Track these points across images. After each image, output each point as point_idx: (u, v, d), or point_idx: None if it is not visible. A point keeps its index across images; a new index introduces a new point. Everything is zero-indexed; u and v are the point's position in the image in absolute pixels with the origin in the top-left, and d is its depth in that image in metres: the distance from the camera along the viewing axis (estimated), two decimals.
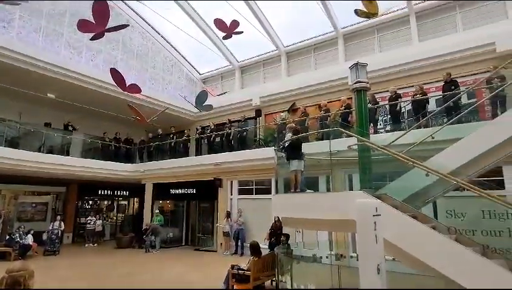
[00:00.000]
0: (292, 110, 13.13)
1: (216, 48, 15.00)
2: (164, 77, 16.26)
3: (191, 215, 15.40)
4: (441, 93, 8.78)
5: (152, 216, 14.46)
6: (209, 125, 14.47)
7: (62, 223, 12.94)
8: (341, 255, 8.68)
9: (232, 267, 7.08)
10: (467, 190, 4.27)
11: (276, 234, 9.91)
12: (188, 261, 11.24)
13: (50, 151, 12.57)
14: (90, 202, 17.43)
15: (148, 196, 15.36)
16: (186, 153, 14.64)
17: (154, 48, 15.93)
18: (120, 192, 17.85)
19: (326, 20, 12.39)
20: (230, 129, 13.26)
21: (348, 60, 11.88)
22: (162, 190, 15.08)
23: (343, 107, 10.07)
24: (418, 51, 10.51)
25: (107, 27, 5.48)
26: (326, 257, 8.46)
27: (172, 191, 14.65)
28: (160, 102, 14.46)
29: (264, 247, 9.28)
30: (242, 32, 7.55)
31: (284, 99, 13.49)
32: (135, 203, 18.73)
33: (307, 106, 12.14)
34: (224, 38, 7.88)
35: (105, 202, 18.19)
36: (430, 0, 10.87)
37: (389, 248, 4.28)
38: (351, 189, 9.05)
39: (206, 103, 7.82)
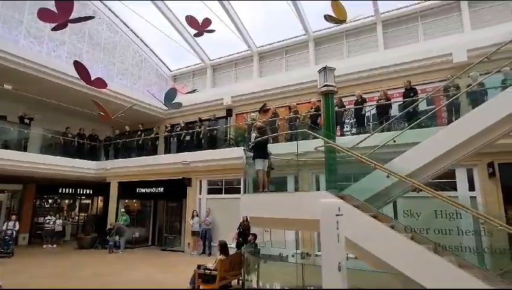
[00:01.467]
0: (263, 110, 13.23)
1: (188, 45, 14.79)
2: (133, 72, 15.76)
3: (158, 215, 15.10)
4: (402, 99, 9.25)
5: (117, 216, 13.99)
6: (179, 124, 14.22)
7: (17, 223, 12.15)
8: (307, 253, 8.90)
9: (199, 267, 7.04)
10: (422, 191, 4.55)
11: (245, 233, 9.96)
12: (154, 261, 10.99)
13: (5, 146, 11.76)
14: (50, 201, 16.53)
15: (113, 195, 14.83)
16: (154, 151, 14.30)
17: (122, 42, 15.39)
18: (83, 190, 17.06)
19: (298, 23, 12.62)
20: (200, 128, 13.13)
21: (318, 63, 12.19)
22: (128, 189, 14.62)
23: (313, 109, 10.31)
24: (383, 58, 11.00)
25: (70, 18, 5.22)
26: (293, 256, 8.63)
27: (139, 190, 14.26)
28: (128, 98, 13.99)
29: (232, 247, 9.31)
30: (214, 30, 7.49)
31: (255, 100, 13.56)
32: (99, 202, 17.98)
33: (277, 107, 12.30)
34: (196, 35, 7.77)
35: (67, 201, 17.32)
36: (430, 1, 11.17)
37: (350, 246, 4.47)
38: (318, 189, 9.29)
39: (175, 101, 7.68)
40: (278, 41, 14.08)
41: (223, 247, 7.22)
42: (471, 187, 8.32)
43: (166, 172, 13.11)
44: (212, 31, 7.45)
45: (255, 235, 9.53)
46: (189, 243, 12.39)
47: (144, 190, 14.17)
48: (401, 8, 11.46)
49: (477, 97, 7.01)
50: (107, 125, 15.57)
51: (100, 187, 15.98)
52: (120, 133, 15.15)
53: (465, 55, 9.30)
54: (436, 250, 4.54)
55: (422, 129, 7.16)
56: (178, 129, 13.92)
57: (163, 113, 15.93)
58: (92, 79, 6.55)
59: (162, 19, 13.62)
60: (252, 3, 12.12)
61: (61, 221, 14.61)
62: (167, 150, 14.49)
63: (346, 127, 10.29)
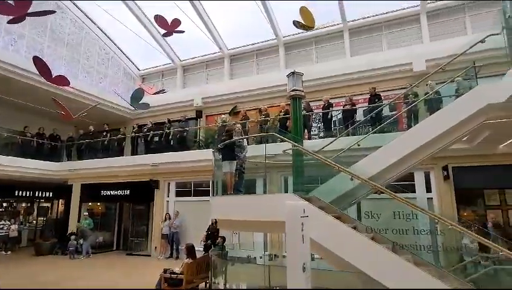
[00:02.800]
0: (234, 113, 13.25)
1: (158, 44, 14.48)
2: (99, 70, 15.16)
3: (123, 218, 14.63)
4: (367, 104, 9.66)
5: (79, 219, 13.37)
6: (147, 124, 13.87)
7: None
8: (275, 255, 9.00)
9: (165, 271, 6.91)
10: (383, 193, 4.78)
11: (213, 236, 9.91)
12: (119, 266, 10.66)
13: None
14: (4, 204, 15.44)
15: (75, 198, 14.18)
16: (120, 153, 13.85)
17: (88, 38, 14.76)
18: (42, 193, 16.09)
19: (269, 27, 12.78)
20: (169, 129, 12.90)
21: (288, 68, 12.36)
22: (91, 191, 14.04)
23: (282, 113, 10.48)
24: (349, 65, 11.41)
25: (29, 11, 4.97)
26: (261, 258, 8.69)
27: (104, 193, 13.74)
28: (93, 97, 13.44)
29: (200, 249, 9.24)
30: (183, 31, 7.45)
31: (225, 102, 13.54)
32: (60, 206, 17.07)
33: (247, 110, 12.38)
34: (165, 35, 7.71)
35: (24, 204, 16.26)
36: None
37: (315, 247, 4.59)
38: (286, 191, 9.44)
39: (142, 101, 7.50)
40: (249, 45, 14.16)
41: (190, 250, 7.14)
42: (428, 189, 8.85)
43: (133, 174, 12.74)
44: (181, 31, 7.40)
45: (223, 238, 9.51)
46: (156, 247, 12.11)
47: (108, 192, 13.67)
48: (367, 17, 11.97)
49: (433, 105, 7.48)
50: (70, 124, 14.85)
51: (61, 189, 15.18)
52: (84, 133, 14.50)
53: (424, 65, 9.89)
54: (395, 249, 4.78)
55: (384, 134, 7.52)
56: (146, 130, 13.58)
57: (131, 113, 15.46)
58: (54, 76, 6.26)
59: (131, 17, 13.25)
60: (223, 5, 12.11)
61: (16, 226, 13.71)
62: (134, 152, 14.08)
63: (314, 130, 10.56)
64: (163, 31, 8.01)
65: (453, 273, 4.99)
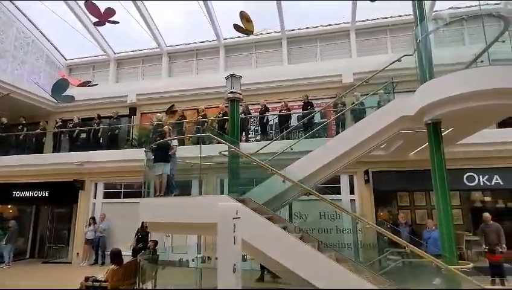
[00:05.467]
0: (170, 112, 12.84)
1: (89, 33, 13.32)
2: (16, 55, 13.38)
3: (40, 222, 13.20)
4: (301, 111, 10.19)
5: None
6: (72, 119, 12.67)
7: None
8: (208, 257, 8.94)
9: (87, 279, 6.39)
10: (311, 194, 5.10)
11: (144, 239, 9.46)
12: (34, 276, 9.55)
13: None
14: None
15: None
16: (39, 149, 12.43)
17: (4, 18, 12.95)
18: None
19: (210, 28, 12.70)
20: (99, 125, 11.98)
21: (228, 70, 12.43)
22: (0, 192, 12.31)
23: (220, 114, 10.48)
24: (286, 72, 11.89)
25: None
26: (193, 260, 8.57)
27: (16, 194, 12.16)
28: (5, 84, 11.82)
29: (128, 254, 8.75)
30: (118, 22, 7.02)
31: (162, 100, 13.03)
32: None
33: (185, 110, 12.12)
34: (97, 24, 7.18)
35: None
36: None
37: (247, 247, 4.68)
38: (222, 193, 9.46)
39: (67, 93, 6.83)
40: (189, 44, 13.89)
41: (115, 256, 6.70)
42: (352, 191, 9.66)
43: (54, 173, 11.54)
44: (115, 22, 6.99)
45: (155, 242, 9.14)
46: (78, 253, 11.13)
47: (22, 194, 12.13)
48: (304, 28, 12.64)
49: (358, 114, 8.22)
50: None
51: None
52: None
53: (351, 77, 10.79)
54: (320, 247, 5.13)
55: (315, 139, 8.01)
56: (71, 125, 12.40)
57: (54, 106, 13.91)
58: None
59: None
60: (164, 3, 11.70)
61: None
62: (56, 149, 12.77)
63: (251, 133, 10.77)
64: (95, 20, 7.43)
65: (369, 268, 5.53)
